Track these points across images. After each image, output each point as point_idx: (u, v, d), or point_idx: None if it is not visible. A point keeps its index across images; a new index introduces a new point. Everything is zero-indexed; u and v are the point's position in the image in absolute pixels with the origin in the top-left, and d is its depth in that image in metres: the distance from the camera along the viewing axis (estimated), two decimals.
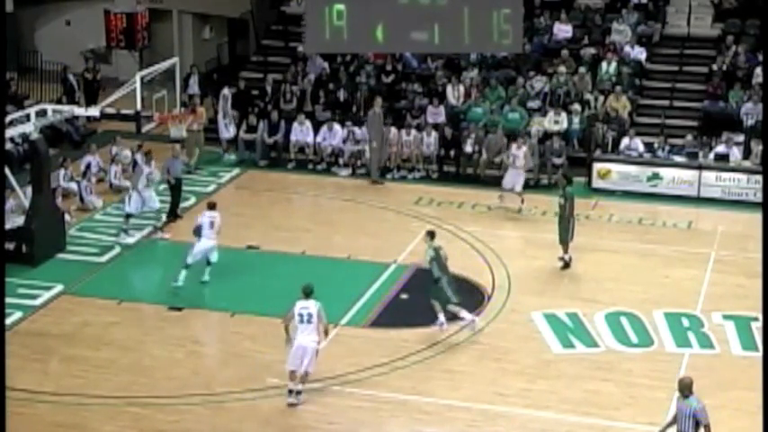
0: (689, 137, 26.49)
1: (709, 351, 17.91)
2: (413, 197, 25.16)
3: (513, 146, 24.61)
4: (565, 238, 20.85)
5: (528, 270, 20.87)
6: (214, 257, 20.07)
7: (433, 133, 26.99)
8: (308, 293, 15.74)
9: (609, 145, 26.78)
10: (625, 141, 26.29)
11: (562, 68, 28.50)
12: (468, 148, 26.63)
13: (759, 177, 24.80)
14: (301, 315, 15.54)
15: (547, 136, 26.77)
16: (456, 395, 16.26)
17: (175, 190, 23.57)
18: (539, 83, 28.58)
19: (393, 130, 27.13)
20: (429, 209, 24.49)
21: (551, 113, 27.34)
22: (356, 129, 27.27)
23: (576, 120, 27.30)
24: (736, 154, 25.80)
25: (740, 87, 27.61)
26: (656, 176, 25.34)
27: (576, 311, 18.97)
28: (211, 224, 19.86)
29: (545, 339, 18.22)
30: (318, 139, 27.46)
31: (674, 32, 30.27)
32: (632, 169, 25.58)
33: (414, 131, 27.10)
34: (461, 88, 28.40)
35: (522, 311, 19.11)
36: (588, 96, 27.95)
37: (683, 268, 21.10)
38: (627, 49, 29.20)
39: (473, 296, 19.81)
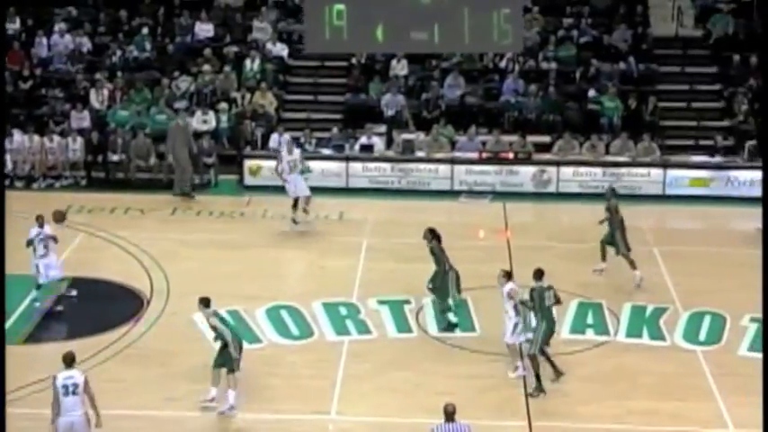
0: (334, 129, 27.28)
1: (367, 336, 18.53)
2: (62, 205, 24.36)
3: (507, 286, 16.64)
4: (625, 249, 20.01)
5: (186, 272, 20.78)
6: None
7: (79, 139, 26.38)
8: (69, 362, 14.08)
9: (258, 141, 27.18)
10: (274, 137, 26.72)
11: (206, 67, 28.59)
12: (116, 154, 26.27)
13: (402, 165, 25.97)
14: (66, 387, 13.85)
15: (197, 136, 26.78)
16: (123, 404, 15.95)
17: None
18: (184, 83, 28.53)
19: (36, 137, 26.28)
20: (80, 216, 23.86)
21: (199, 113, 27.39)
22: None
23: (224, 118, 27.49)
24: (378, 144, 26.83)
25: (379, 80, 28.69)
26: (305, 170, 25.87)
27: (236, 309, 19.08)
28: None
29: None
30: None
31: None
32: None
33: (57, 138, 26.37)
34: (105, 92, 27.88)
35: (183, 314, 18.99)
36: (234, 94, 28.23)
37: (338, 258, 21.70)
38: (269, 46, 29.64)
39: (132, 302, 19.57)
